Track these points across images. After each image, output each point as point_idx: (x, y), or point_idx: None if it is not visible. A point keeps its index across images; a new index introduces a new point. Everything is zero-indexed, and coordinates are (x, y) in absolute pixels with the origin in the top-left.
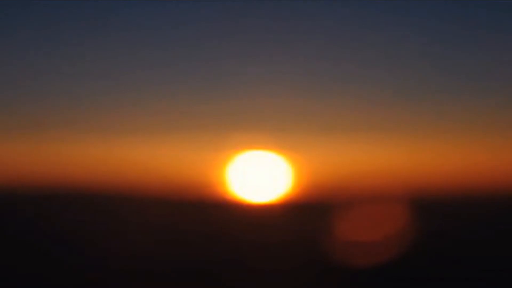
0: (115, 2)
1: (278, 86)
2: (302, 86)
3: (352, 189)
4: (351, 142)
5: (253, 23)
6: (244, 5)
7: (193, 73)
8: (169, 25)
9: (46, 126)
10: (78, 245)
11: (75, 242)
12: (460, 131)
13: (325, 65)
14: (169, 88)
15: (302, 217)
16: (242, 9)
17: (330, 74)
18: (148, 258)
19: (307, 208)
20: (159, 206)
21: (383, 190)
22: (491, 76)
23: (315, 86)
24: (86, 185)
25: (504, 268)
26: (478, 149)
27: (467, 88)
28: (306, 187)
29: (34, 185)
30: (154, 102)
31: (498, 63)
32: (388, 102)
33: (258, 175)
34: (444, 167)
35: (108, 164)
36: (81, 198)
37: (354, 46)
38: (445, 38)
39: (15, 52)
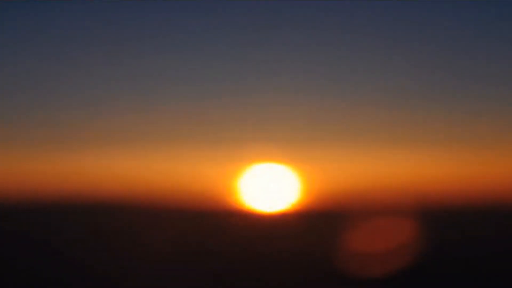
0: (121, 16)
1: (289, 99)
2: (313, 98)
3: (361, 199)
4: (360, 153)
5: (264, 35)
6: (261, 18)
7: (206, 87)
8: (182, 39)
9: (56, 137)
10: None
11: (84, 250)
12: (470, 143)
13: (336, 77)
14: (181, 102)
15: (312, 226)
16: (258, 23)
17: (340, 86)
18: (160, 266)
19: (316, 218)
20: (171, 216)
21: (392, 200)
22: (500, 83)
23: (326, 98)
24: (98, 196)
25: None
26: (488, 160)
27: (481, 99)
28: (316, 198)
29: (45, 197)
30: (166, 115)
31: (506, 71)
32: (399, 114)
33: (269, 186)
34: (454, 178)
35: (121, 174)
36: (94, 209)
37: (366, 59)
38: (455, 50)
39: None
